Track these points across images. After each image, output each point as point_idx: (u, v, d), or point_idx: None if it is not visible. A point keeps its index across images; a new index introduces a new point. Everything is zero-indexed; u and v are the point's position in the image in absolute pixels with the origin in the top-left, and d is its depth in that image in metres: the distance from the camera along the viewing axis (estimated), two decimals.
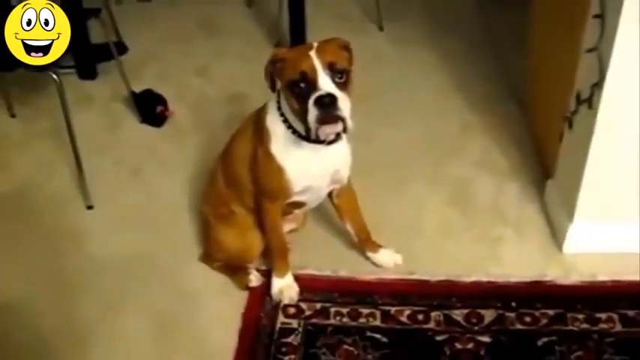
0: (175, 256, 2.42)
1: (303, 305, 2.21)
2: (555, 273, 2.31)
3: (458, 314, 2.17)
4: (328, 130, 1.94)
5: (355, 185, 2.66)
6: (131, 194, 2.68)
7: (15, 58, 2.37)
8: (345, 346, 2.08)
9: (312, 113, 1.89)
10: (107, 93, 3.22)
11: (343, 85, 1.93)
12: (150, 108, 2.99)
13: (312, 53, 1.92)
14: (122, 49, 3.26)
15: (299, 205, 2.23)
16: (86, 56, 3.27)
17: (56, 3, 2.28)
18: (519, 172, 2.73)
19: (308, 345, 2.09)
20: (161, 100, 3.00)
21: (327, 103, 1.88)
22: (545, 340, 2.09)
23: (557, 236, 2.42)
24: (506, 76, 3.26)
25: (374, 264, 2.36)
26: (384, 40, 3.58)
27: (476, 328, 2.13)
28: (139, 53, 3.40)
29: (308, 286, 2.26)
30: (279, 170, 2.08)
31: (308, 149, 2.06)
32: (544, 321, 2.14)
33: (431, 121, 3.03)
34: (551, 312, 2.17)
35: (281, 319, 2.17)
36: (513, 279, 2.28)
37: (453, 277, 2.28)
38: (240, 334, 2.13)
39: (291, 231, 2.42)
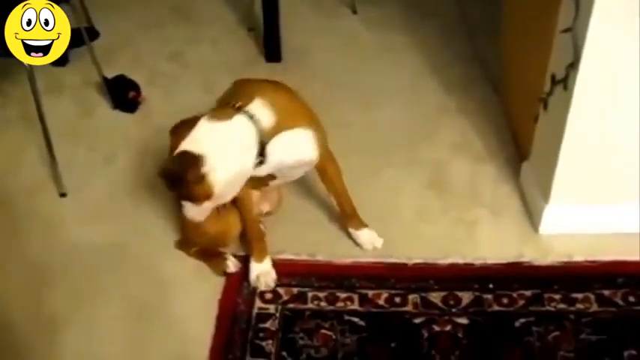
0: (150, 244, 2.40)
1: (281, 290, 2.20)
2: (532, 254, 2.32)
3: (435, 297, 2.17)
4: None
5: None
6: (105, 181, 2.65)
7: None
8: (323, 331, 2.08)
9: None
10: (79, 79, 3.17)
11: None
12: (122, 94, 2.95)
13: None
14: (93, 34, 3.21)
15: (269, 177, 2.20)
16: None
17: None
18: (495, 155, 2.73)
19: (286, 330, 2.08)
20: (134, 86, 2.96)
21: None
22: (522, 320, 2.10)
23: (533, 218, 2.43)
24: (481, 60, 3.25)
25: (354, 242, 2.35)
26: (358, 24, 3.56)
27: (453, 310, 2.13)
28: (111, 39, 3.34)
29: (285, 270, 2.25)
30: None
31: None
32: (521, 302, 2.15)
33: (407, 104, 3.02)
34: (528, 293, 2.18)
35: (258, 304, 2.16)
36: (490, 261, 2.29)
37: (430, 260, 2.28)
38: (217, 320, 2.12)
39: (267, 214, 2.40)
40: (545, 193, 2.34)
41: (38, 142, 2.73)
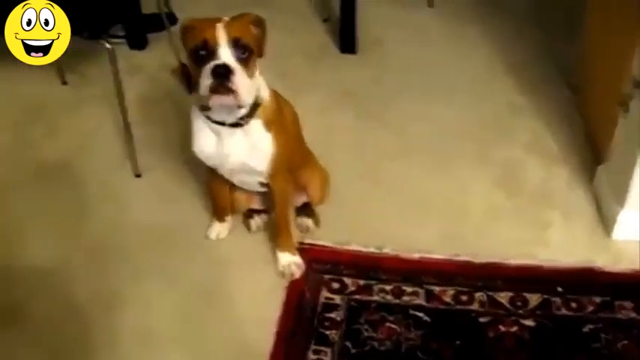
0: None
1: (347, 281, 2.21)
2: (603, 260, 2.28)
3: (502, 297, 2.15)
4: (218, 101, 1.91)
5: (400, 163, 2.66)
6: (178, 164, 2.70)
7: (71, 25, 2.39)
8: (388, 324, 2.08)
9: (206, 81, 1.87)
10: (156, 63, 3.24)
11: (244, 62, 1.90)
12: None
13: (220, 25, 1.89)
14: (172, 20, 3.27)
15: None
16: (137, 26, 3.28)
17: None
18: (569, 156, 2.68)
19: (351, 321, 2.09)
20: None
21: (222, 74, 1.85)
22: (590, 327, 2.07)
23: (606, 222, 2.39)
24: (556, 58, 3.20)
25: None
26: (434, 17, 3.54)
27: (520, 311, 2.11)
28: None
29: (352, 262, 2.27)
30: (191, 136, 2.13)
31: (210, 129, 2.05)
32: (590, 308, 2.12)
33: (479, 101, 2.99)
34: (597, 299, 2.14)
35: (324, 293, 2.18)
36: (560, 264, 2.25)
37: (498, 260, 2.26)
38: (283, 306, 2.14)
39: (304, 205, 2.42)
40: (621, 198, 2.29)
41: (115, 122, 2.80)
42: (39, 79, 3.13)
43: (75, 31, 2.42)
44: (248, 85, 1.92)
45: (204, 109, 1.97)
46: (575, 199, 2.52)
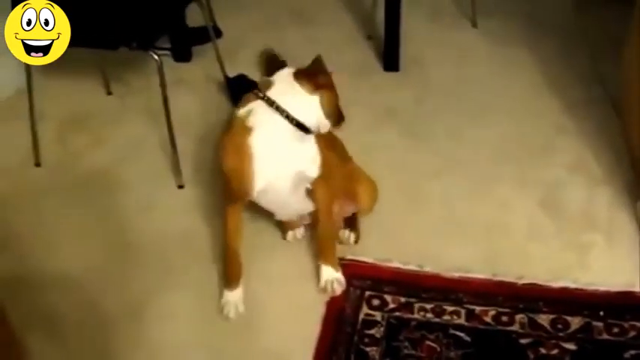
0: (259, 241, 2.43)
1: (388, 298, 2.21)
2: None
3: (544, 319, 2.14)
4: None
5: (442, 182, 2.66)
6: (219, 179, 2.72)
7: (120, 36, 2.43)
8: (428, 342, 2.08)
9: None
10: (200, 76, 3.28)
11: None
12: (242, 93, 3.01)
13: None
14: (217, 33, 3.31)
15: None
16: (183, 39, 3.33)
17: None
18: (612, 179, 2.66)
19: (391, 338, 2.09)
20: (255, 87, 3.02)
21: None
22: (632, 352, 2.03)
23: None
24: (601, 79, 3.18)
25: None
26: (477, 37, 3.54)
27: (561, 334, 2.09)
28: (231, 39, 3.44)
29: (392, 279, 2.27)
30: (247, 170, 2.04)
31: (286, 142, 2.03)
32: (632, 333, 2.09)
33: (522, 121, 2.98)
34: (639, 324, 2.11)
35: (365, 310, 2.18)
36: (602, 287, 2.23)
37: (540, 281, 2.25)
38: (323, 321, 2.14)
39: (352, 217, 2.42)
40: None
41: (159, 133, 2.84)
42: (84, 88, 3.20)
43: (124, 42, 2.48)
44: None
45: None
46: (618, 223, 2.49)
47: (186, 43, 3.35)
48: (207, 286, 2.30)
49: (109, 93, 3.19)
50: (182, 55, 3.35)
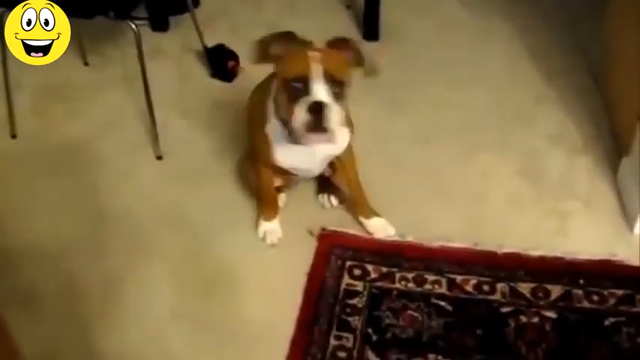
0: (237, 212, 2.44)
1: (369, 267, 2.21)
2: (625, 253, 2.26)
3: (524, 287, 2.15)
4: (314, 139, 1.94)
5: (422, 150, 2.66)
6: (198, 148, 2.70)
7: (96, 5, 2.39)
8: (410, 312, 2.08)
9: (301, 117, 1.88)
10: (178, 46, 3.24)
11: (338, 97, 1.92)
12: (222, 63, 2.99)
13: (315, 57, 1.91)
14: (194, 2, 3.26)
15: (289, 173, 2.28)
16: (160, 8, 3.28)
17: None
18: (592, 147, 2.67)
19: (372, 307, 2.10)
20: (234, 56, 2.99)
21: (319, 112, 1.87)
22: (612, 320, 2.06)
23: (628, 216, 2.37)
24: (581, 48, 3.17)
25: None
26: (457, 5, 3.51)
27: (542, 302, 2.11)
28: (209, 9, 3.40)
29: (374, 249, 2.27)
30: (268, 146, 2.12)
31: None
32: (612, 301, 2.11)
33: (502, 89, 2.98)
34: (619, 292, 2.13)
35: (346, 280, 2.18)
36: (582, 256, 2.24)
37: (520, 250, 2.26)
38: (304, 292, 2.14)
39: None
40: None
41: (137, 104, 2.80)
42: (61, 60, 3.11)
43: (100, 11, 2.43)
44: (341, 120, 1.94)
45: (295, 139, 1.97)
46: (598, 191, 2.50)
47: (163, 12, 3.29)
48: (186, 258, 2.29)
49: (86, 64, 3.13)
50: (159, 24, 3.30)
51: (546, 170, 2.59)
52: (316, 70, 1.89)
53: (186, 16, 3.16)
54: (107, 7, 2.44)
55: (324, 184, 2.46)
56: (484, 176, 2.57)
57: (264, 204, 2.36)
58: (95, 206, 2.48)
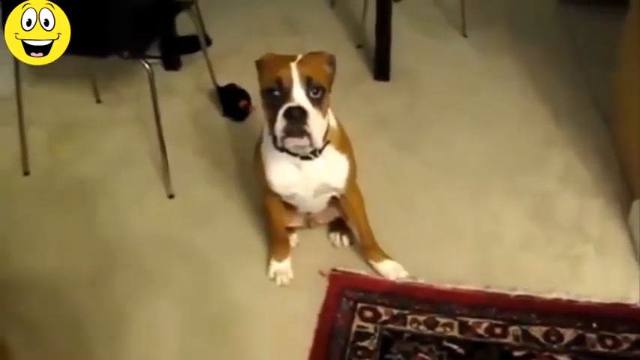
0: (249, 251, 2.44)
1: (380, 309, 2.20)
2: (638, 296, 2.25)
3: (537, 331, 2.13)
4: (293, 143, 1.94)
5: (433, 192, 2.66)
6: (210, 187, 2.71)
7: (111, 44, 2.41)
8: (421, 355, 2.07)
9: (280, 123, 1.90)
10: (190, 85, 3.27)
11: (317, 102, 1.93)
12: (234, 102, 3.01)
13: (293, 64, 1.92)
14: (207, 41, 3.29)
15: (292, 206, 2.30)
16: (172, 47, 3.31)
17: None
18: (603, 189, 2.66)
19: (384, 350, 2.08)
20: (245, 95, 3.02)
21: (296, 116, 1.88)
22: None
23: None
24: (589, 86, 3.19)
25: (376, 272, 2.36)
26: (467, 47, 3.55)
27: (555, 346, 2.09)
28: (221, 48, 3.43)
29: (385, 290, 2.26)
30: (262, 168, 2.15)
31: (288, 160, 2.07)
32: (626, 345, 2.09)
33: (512, 131, 2.99)
34: (633, 336, 2.11)
35: (357, 321, 2.17)
36: (595, 299, 2.22)
37: (532, 293, 2.24)
38: (315, 334, 2.13)
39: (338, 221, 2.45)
40: None
41: (148, 142, 2.82)
42: (74, 96, 3.17)
43: (114, 49, 2.46)
44: (321, 125, 1.96)
45: (281, 148, 1.98)
46: (610, 233, 2.49)
47: (176, 51, 3.33)
48: (196, 296, 2.29)
49: (99, 101, 3.17)
50: (172, 63, 3.34)
51: (557, 213, 2.59)
52: (293, 74, 1.90)
53: (199, 54, 3.19)
54: (121, 47, 2.47)
55: (336, 223, 2.46)
56: (495, 218, 2.57)
57: (276, 244, 2.36)
58: (104, 243, 2.49)
